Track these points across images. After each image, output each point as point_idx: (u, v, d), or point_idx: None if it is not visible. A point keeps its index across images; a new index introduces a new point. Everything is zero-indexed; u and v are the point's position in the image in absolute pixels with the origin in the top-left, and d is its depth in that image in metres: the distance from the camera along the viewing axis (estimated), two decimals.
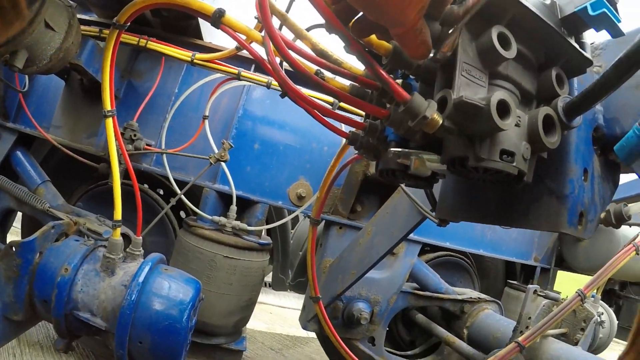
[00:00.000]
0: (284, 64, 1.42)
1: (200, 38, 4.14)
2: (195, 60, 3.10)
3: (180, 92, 4.00)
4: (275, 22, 1.46)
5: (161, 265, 2.71)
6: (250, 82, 3.43)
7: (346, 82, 1.57)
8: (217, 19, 1.75)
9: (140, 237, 2.70)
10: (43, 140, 3.99)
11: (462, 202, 1.72)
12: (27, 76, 3.88)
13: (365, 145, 1.53)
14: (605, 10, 1.17)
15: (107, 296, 2.49)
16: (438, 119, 1.08)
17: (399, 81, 1.43)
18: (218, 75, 3.60)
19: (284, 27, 1.56)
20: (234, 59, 3.48)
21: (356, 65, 1.50)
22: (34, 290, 2.55)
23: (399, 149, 1.33)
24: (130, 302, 2.39)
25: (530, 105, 1.29)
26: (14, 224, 4.74)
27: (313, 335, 4.96)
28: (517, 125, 1.16)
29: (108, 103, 2.34)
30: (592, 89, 1.15)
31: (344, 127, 1.79)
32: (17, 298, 2.55)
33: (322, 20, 1.17)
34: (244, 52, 2.10)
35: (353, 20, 1.19)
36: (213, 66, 3.19)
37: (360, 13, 1.15)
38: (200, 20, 3.91)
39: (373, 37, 1.30)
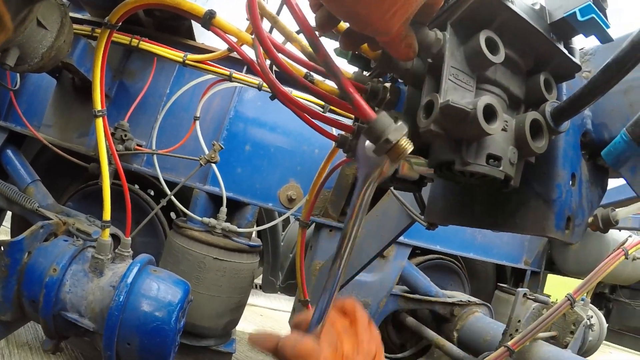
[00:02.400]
0: (274, 66, 1.42)
1: (193, 38, 4.13)
2: (187, 61, 3.09)
3: (172, 92, 4.00)
4: (267, 24, 1.46)
5: (150, 266, 2.70)
6: (241, 83, 3.42)
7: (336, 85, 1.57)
8: (208, 20, 1.75)
9: (129, 238, 2.69)
10: (33, 139, 3.98)
11: (451, 206, 1.72)
12: (18, 74, 3.86)
13: (354, 149, 1.53)
14: (594, 15, 1.17)
15: (95, 297, 2.48)
16: (406, 145, 0.94)
17: (388, 85, 1.43)
18: (210, 76, 3.60)
19: (274, 30, 1.56)
20: (226, 60, 3.48)
21: (346, 68, 1.50)
22: (23, 290, 2.54)
23: None
24: (119, 303, 2.39)
25: (519, 110, 1.29)
26: (3, 223, 4.73)
27: None
28: (504, 129, 1.16)
29: (98, 103, 2.33)
30: (580, 94, 1.15)
31: (335, 131, 1.80)
32: (5, 298, 2.54)
33: (313, 24, 1.16)
34: (236, 54, 2.09)
35: (341, 35, 1.19)
36: (205, 67, 3.18)
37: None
38: (193, 21, 3.90)
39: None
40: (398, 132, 0.93)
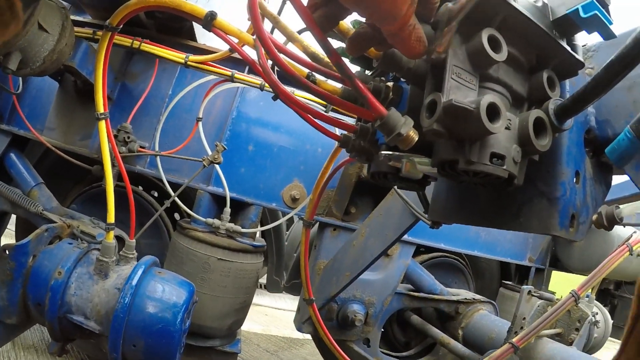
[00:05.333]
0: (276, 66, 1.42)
1: (194, 40, 4.13)
2: (188, 62, 3.10)
3: (174, 94, 4.00)
4: (268, 25, 1.46)
5: (155, 267, 2.70)
6: (243, 84, 3.42)
7: (338, 85, 1.57)
8: (209, 21, 1.75)
9: (134, 240, 2.69)
10: (37, 142, 3.98)
11: (454, 205, 1.72)
12: (20, 78, 3.87)
13: (357, 148, 1.53)
14: (597, 12, 1.17)
15: (100, 299, 2.49)
16: (413, 136, 1.09)
17: (390, 84, 1.43)
18: (212, 77, 3.60)
19: (275, 30, 1.56)
20: (228, 60, 3.48)
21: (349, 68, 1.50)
22: (28, 294, 2.54)
23: (390, 152, 1.33)
24: (124, 305, 2.39)
25: (522, 107, 1.29)
26: (8, 227, 4.74)
27: (308, 337, 4.96)
28: (507, 128, 1.16)
29: (101, 105, 2.34)
30: (583, 92, 1.15)
31: (337, 130, 1.80)
32: (11, 301, 2.54)
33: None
34: (238, 55, 2.09)
35: (347, 40, 1.19)
36: (207, 68, 3.19)
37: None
38: (194, 22, 3.90)
39: None
40: (407, 126, 1.08)
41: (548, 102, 1.23)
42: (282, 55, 1.27)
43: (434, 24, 1.15)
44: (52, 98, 4.03)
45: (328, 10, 1.09)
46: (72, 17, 3.04)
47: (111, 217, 2.49)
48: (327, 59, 1.52)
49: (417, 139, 1.07)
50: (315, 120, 1.49)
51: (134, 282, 2.46)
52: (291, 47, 1.49)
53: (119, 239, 3.10)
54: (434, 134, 1.10)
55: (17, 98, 3.94)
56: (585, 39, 1.38)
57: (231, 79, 3.29)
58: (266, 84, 3.36)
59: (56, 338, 2.58)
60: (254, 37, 1.62)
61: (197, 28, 4.07)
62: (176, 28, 4.01)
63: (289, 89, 1.38)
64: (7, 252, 2.55)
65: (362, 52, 1.23)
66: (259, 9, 1.18)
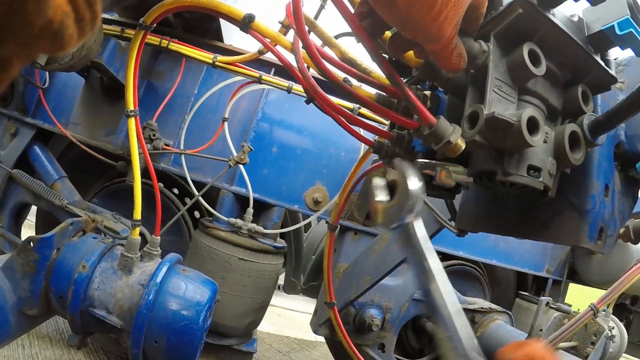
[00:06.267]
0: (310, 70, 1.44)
1: (221, 40, 4.16)
2: (217, 63, 3.11)
3: (200, 93, 4.03)
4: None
5: (179, 265, 2.72)
6: (271, 85, 3.44)
7: (371, 91, 1.59)
8: (247, 23, 1.77)
9: (158, 237, 2.71)
10: (60, 137, 4.03)
11: (483, 214, 1.73)
12: (47, 73, 3.91)
13: (391, 155, 1.54)
14: (632, 30, 1.18)
15: (124, 294, 2.51)
16: (461, 144, 1.10)
17: (428, 92, 1.44)
18: (239, 78, 3.62)
19: (312, 34, 1.58)
20: (253, 62, 3.51)
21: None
22: (51, 286, 2.56)
23: (426, 160, 1.34)
24: (148, 301, 2.41)
25: (556, 121, 1.30)
26: (28, 217, 4.78)
27: (321, 339, 4.97)
28: (544, 141, 1.17)
29: (131, 103, 2.36)
30: (619, 109, 1.16)
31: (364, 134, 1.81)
32: (33, 293, 2.56)
33: (349, 29, 1.18)
34: (264, 56, 2.09)
35: (389, 38, 1.20)
36: (234, 69, 3.20)
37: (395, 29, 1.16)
38: (222, 23, 3.92)
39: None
40: (456, 134, 1.09)
41: (583, 116, 1.24)
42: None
43: (476, 37, 1.17)
44: (77, 93, 4.08)
45: (375, 19, 1.11)
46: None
47: (138, 214, 2.51)
48: (364, 65, 1.54)
49: (464, 147, 1.09)
50: (350, 125, 1.51)
51: (159, 279, 2.48)
52: (327, 52, 1.51)
53: (140, 235, 3.12)
54: (474, 145, 1.12)
55: (42, 92, 3.98)
56: (615, 53, 1.39)
57: (259, 80, 3.30)
58: (294, 87, 3.38)
59: (77, 331, 2.60)
60: (292, 41, 1.63)
61: (224, 29, 4.09)
62: (203, 28, 4.03)
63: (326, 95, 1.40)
64: (31, 244, 2.57)
65: (403, 52, 1.25)
66: (302, 13, 1.20)
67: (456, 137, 1.07)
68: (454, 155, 1.11)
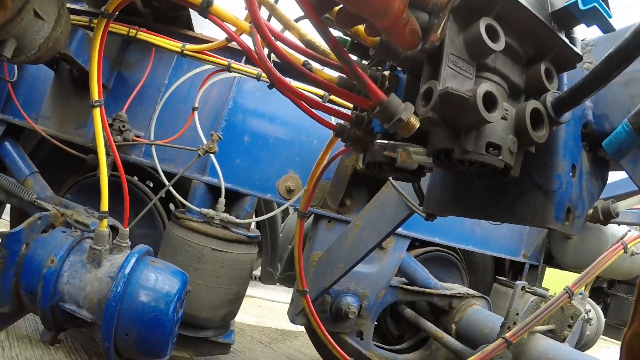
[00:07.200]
0: (272, 55, 1.41)
1: (192, 29, 4.12)
2: (185, 51, 3.07)
3: (170, 83, 3.98)
4: (264, 12, 1.45)
5: (148, 257, 2.69)
6: (240, 73, 3.41)
7: (334, 74, 1.56)
8: (205, 8, 1.74)
9: (127, 229, 2.68)
10: (32, 131, 3.96)
11: (449, 197, 1.72)
12: (15, 66, 3.85)
13: (353, 138, 1.52)
14: (596, 4, 1.16)
15: (93, 288, 2.48)
16: (415, 122, 1.08)
17: (387, 73, 1.42)
18: (208, 66, 3.57)
19: (272, 18, 1.55)
20: (225, 50, 3.47)
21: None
22: (21, 282, 2.53)
23: (385, 141, 1.32)
24: (116, 293, 2.38)
25: (519, 99, 1.29)
26: (2, 216, 4.73)
27: (302, 329, 4.96)
28: (504, 118, 1.15)
29: (96, 93, 2.33)
30: (582, 85, 1.15)
31: (334, 120, 1.79)
32: (3, 290, 2.53)
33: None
34: (235, 44, 2.08)
35: (336, 11, 1.17)
36: (203, 57, 3.17)
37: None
38: (192, 11, 3.88)
39: (360, 29, 1.29)
40: (408, 112, 1.07)
41: (546, 94, 1.23)
42: (278, 43, 1.26)
43: (429, 11, 1.14)
44: (48, 87, 4.01)
45: None
46: (68, 4, 3.01)
47: (105, 206, 2.48)
48: (323, 47, 1.52)
49: (418, 125, 1.06)
50: (312, 109, 1.48)
51: (127, 270, 2.45)
52: (288, 36, 1.48)
53: (113, 228, 3.09)
54: (429, 122, 1.10)
55: (12, 86, 3.92)
56: (584, 34, 1.37)
57: (228, 68, 3.27)
58: (263, 74, 3.35)
59: (49, 327, 2.57)
60: (251, 24, 1.61)
61: (194, 18, 4.05)
62: (173, 17, 3.99)
63: (285, 79, 1.37)
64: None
65: (351, 27, 1.22)
66: None
67: (407, 114, 1.04)
68: (408, 134, 1.09)
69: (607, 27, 1.23)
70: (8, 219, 4.71)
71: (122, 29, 3.36)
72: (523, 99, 1.29)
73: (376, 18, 0.99)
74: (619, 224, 4.70)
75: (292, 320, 3.90)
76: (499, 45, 1.11)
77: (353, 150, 1.64)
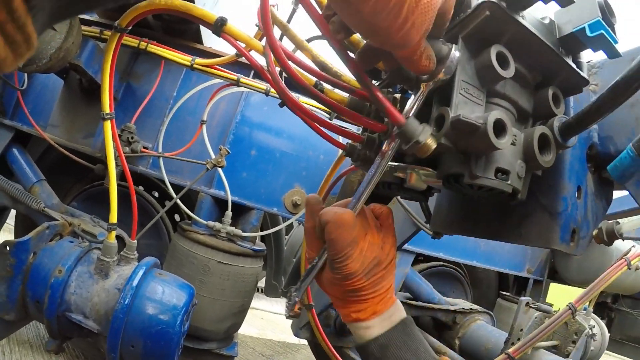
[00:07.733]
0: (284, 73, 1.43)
1: (200, 42, 4.14)
2: (194, 65, 3.10)
3: (179, 95, 4.00)
4: (277, 32, 1.47)
5: (155, 269, 2.71)
6: (249, 88, 3.43)
7: (345, 95, 1.58)
8: (219, 27, 1.76)
9: (135, 241, 2.70)
10: (39, 139, 3.99)
11: (456, 216, 1.73)
12: (25, 74, 3.88)
13: (363, 158, 1.53)
14: (603, 32, 1.18)
15: (100, 299, 2.49)
16: (431, 144, 1.09)
17: (398, 95, 1.44)
18: (217, 80, 3.59)
19: (284, 38, 1.57)
20: (233, 64, 3.49)
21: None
22: (27, 291, 2.55)
23: (396, 163, 1.34)
24: (124, 305, 2.40)
25: (526, 123, 1.30)
26: (7, 221, 4.75)
27: (304, 342, 4.97)
28: (512, 143, 1.17)
29: (107, 105, 2.34)
30: (588, 111, 1.16)
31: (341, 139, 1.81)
32: (10, 298, 2.55)
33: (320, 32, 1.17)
34: (244, 59, 2.09)
35: (358, 51, 1.19)
36: (212, 71, 3.19)
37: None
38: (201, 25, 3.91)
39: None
40: (425, 134, 1.09)
41: (553, 119, 1.24)
42: (290, 63, 1.28)
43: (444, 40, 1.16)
44: (56, 95, 4.04)
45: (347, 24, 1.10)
46: (80, 15, 3.04)
47: (114, 217, 2.49)
48: (335, 69, 1.53)
49: (434, 147, 1.08)
50: (322, 128, 1.50)
51: (135, 283, 2.47)
52: (299, 56, 1.50)
53: (119, 238, 3.10)
54: (441, 148, 1.12)
55: (21, 94, 3.95)
56: (590, 56, 1.39)
57: (237, 83, 3.29)
58: (271, 90, 3.37)
59: (54, 336, 2.59)
60: (264, 44, 1.63)
61: (204, 31, 4.08)
62: (182, 30, 4.02)
63: (295, 96, 1.38)
64: (7, 248, 2.56)
65: (371, 66, 1.24)
66: (270, 16, 1.19)
67: (425, 136, 1.06)
68: (424, 156, 1.10)
69: (613, 53, 1.24)
70: (12, 223, 4.72)
71: (132, 41, 3.39)
72: (531, 123, 1.31)
73: (396, 49, 1.01)
74: (623, 238, 4.70)
75: (296, 334, 3.90)
76: (509, 72, 1.12)
77: (362, 169, 1.66)
